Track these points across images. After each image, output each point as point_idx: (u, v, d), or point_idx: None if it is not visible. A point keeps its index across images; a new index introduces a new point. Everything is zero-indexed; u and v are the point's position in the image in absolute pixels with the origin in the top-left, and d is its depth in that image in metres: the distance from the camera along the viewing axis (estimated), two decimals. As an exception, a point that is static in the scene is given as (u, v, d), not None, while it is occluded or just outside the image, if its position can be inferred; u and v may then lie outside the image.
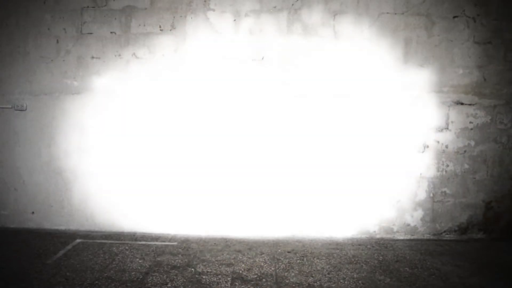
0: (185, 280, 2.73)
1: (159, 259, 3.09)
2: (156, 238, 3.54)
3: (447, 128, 3.61)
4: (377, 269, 2.99)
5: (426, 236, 3.68)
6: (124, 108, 3.61)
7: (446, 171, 3.64)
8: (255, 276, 2.81)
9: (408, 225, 3.69)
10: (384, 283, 2.76)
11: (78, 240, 3.41)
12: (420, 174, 3.64)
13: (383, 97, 3.57)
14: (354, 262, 3.11)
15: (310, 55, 3.55)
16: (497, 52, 3.55)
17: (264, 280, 2.75)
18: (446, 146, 3.62)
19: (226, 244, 3.41)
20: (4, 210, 3.70)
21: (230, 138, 3.61)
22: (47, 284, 2.61)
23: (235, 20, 3.53)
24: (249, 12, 3.52)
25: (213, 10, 3.53)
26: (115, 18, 3.56)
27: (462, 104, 3.58)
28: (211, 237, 3.58)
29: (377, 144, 3.61)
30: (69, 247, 3.27)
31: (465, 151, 3.62)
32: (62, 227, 3.68)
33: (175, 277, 2.78)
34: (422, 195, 3.66)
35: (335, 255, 3.25)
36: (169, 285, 2.67)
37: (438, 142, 3.61)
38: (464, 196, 3.66)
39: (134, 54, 3.57)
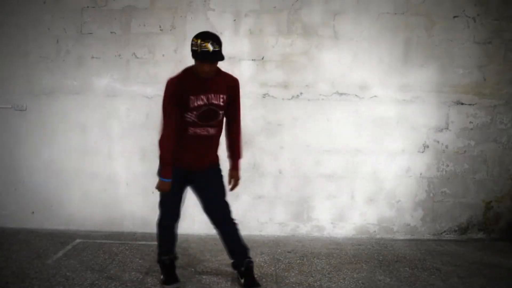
0: (185, 280, 2.72)
1: (159, 259, 3.09)
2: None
3: (447, 128, 3.60)
4: (377, 269, 2.99)
5: (426, 236, 3.68)
6: (124, 108, 3.61)
7: (446, 171, 3.64)
8: (255, 276, 2.80)
9: (408, 225, 3.69)
10: (384, 283, 2.76)
11: (78, 240, 3.41)
12: (420, 174, 3.64)
13: (383, 97, 3.57)
14: (354, 262, 3.11)
15: (310, 55, 3.55)
16: (497, 52, 3.54)
17: (264, 280, 2.75)
18: (446, 146, 3.62)
19: (226, 244, 3.41)
20: (4, 210, 3.70)
21: (230, 138, 3.60)
22: (47, 284, 2.61)
23: (235, 20, 3.53)
24: (249, 12, 3.52)
25: (213, 10, 3.53)
26: (115, 18, 3.55)
27: (462, 104, 3.58)
28: (211, 237, 3.57)
29: (377, 144, 3.61)
30: (69, 247, 3.27)
31: (465, 151, 3.62)
32: (62, 227, 3.68)
33: (175, 277, 2.78)
34: (422, 195, 3.66)
35: (335, 255, 3.25)
36: (169, 285, 2.67)
37: (438, 142, 3.61)
38: (464, 196, 3.66)
39: (134, 54, 3.57)
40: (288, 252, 3.29)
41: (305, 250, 3.33)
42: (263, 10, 3.52)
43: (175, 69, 3.55)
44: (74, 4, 3.54)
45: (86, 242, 3.38)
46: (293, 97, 3.57)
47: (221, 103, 2.44)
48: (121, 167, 3.65)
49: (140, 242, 3.42)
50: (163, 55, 3.56)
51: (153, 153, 3.61)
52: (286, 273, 2.88)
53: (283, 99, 3.57)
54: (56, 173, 3.67)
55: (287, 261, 3.11)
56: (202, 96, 2.37)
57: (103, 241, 3.42)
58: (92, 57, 3.58)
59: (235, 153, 2.65)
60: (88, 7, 3.55)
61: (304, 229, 3.69)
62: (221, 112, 2.46)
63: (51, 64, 3.59)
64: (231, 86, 2.51)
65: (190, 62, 3.54)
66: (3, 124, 3.65)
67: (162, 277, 2.66)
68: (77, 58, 3.58)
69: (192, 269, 2.90)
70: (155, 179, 3.63)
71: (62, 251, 3.17)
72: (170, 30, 3.55)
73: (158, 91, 3.58)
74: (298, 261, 3.11)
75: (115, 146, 3.64)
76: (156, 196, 3.68)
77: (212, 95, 2.40)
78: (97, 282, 2.66)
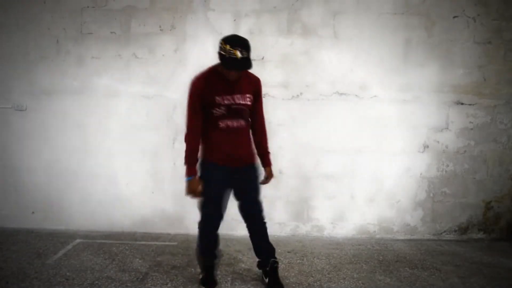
0: (185, 280, 2.73)
1: (159, 259, 3.09)
2: (156, 238, 3.54)
3: (447, 128, 3.60)
4: (377, 269, 2.99)
5: (426, 236, 3.68)
6: (124, 108, 3.61)
7: (446, 171, 3.64)
8: (255, 276, 2.81)
9: (408, 225, 3.69)
10: (384, 283, 2.76)
11: (78, 240, 3.41)
12: (420, 174, 3.64)
13: (383, 97, 3.57)
14: (354, 262, 3.11)
15: (310, 55, 3.55)
16: (497, 52, 3.55)
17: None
18: (446, 146, 3.62)
19: (226, 244, 3.40)
20: (4, 210, 3.70)
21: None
22: (47, 284, 2.61)
23: (235, 20, 3.53)
24: (249, 12, 3.52)
25: (213, 10, 3.53)
26: (115, 18, 3.55)
27: (462, 104, 3.58)
28: (211, 237, 3.57)
29: (377, 144, 3.61)
30: (69, 247, 3.27)
31: (465, 151, 3.62)
32: (62, 227, 3.68)
33: (175, 277, 2.78)
34: (422, 195, 3.66)
35: (335, 255, 3.25)
36: (169, 285, 2.67)
37: (438, 142, 3.61)
38: (464, 196, 3.66)
39: (134, 54, 3.57)
40: (288, 252, 3.29)
41: (305, 250, 3.33)
42: (263, 10, 3.52)
43: (175, 69, 3.58)
44: (74, 4, 3.55)
45: (86, 242, 3.38)
46: (293, 97, 3.57)
47: (248, 102, 2.44)
48: (121, 167, 3.65)
49: (140, 242, 3.43)
50: (163, 55, 3.56)
51: (153, 153, 3.64)
52: (286, 273, 2.88)
53: (283, 99, 3.57)
54: (56, 173, 3.66)
55: (287, 261, 3.11)
56: (228, 97, 2.37)
57: (103, 241, 3.42)
58: (92, 57, 3.58)
59: (265, 148, 2.64)
60: (88, 7, 3.55)
61: (304, 229, 3.69)
62: (248, 110, 2.47)
63: (51, 64, 3.59)
64: (255, 86, 2.51)
65: (190, 61, 3.57)
66: (3, 124, 3.65)
67: (200, 276, 2.68)
68: (77, 58, 3.58)
69: (192, 269, 2.90)
70: (155, 179, 3.67)
71: (62, 251, 3.17)
72: (170, 30, 3.55)
73: (158, 91, 3.61)
74: (298, 261, 3.11)
75: (115, 146, 3.63)
76: (155, 196, 3.70)
77: (239, 95, 2.40)
78: (97, 282, 2.66)
